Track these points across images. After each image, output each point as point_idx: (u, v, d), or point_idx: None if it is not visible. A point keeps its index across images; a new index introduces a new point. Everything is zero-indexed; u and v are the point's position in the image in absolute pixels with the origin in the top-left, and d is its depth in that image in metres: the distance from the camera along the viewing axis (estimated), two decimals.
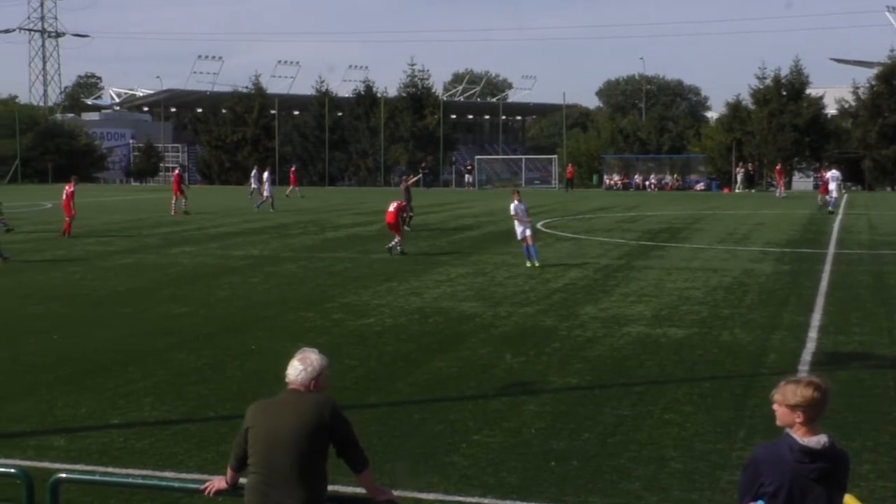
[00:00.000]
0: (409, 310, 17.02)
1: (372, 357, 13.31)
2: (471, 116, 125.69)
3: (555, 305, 17.44)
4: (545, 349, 13.77)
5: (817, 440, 4.76)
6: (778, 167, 61.80)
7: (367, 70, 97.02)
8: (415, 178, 47.56)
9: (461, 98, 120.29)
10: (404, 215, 25.82)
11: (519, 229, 23.08)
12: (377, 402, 11.11)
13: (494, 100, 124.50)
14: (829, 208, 42.12)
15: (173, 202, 42.58)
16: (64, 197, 31.44)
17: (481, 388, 11.67)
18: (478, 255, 25.20)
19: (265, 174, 48.12)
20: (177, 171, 46.72)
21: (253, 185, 55.93)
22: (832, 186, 43.91)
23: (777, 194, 57.26)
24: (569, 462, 8.95)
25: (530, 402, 11.02)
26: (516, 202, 23.08)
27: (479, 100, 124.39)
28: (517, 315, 16.46)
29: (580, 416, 10.43)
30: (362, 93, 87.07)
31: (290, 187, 58.56)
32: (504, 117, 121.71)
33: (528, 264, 22.50)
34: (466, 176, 79.62)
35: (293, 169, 63.50)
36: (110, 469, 8.68)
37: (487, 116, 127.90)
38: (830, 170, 47.49)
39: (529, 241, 22.82)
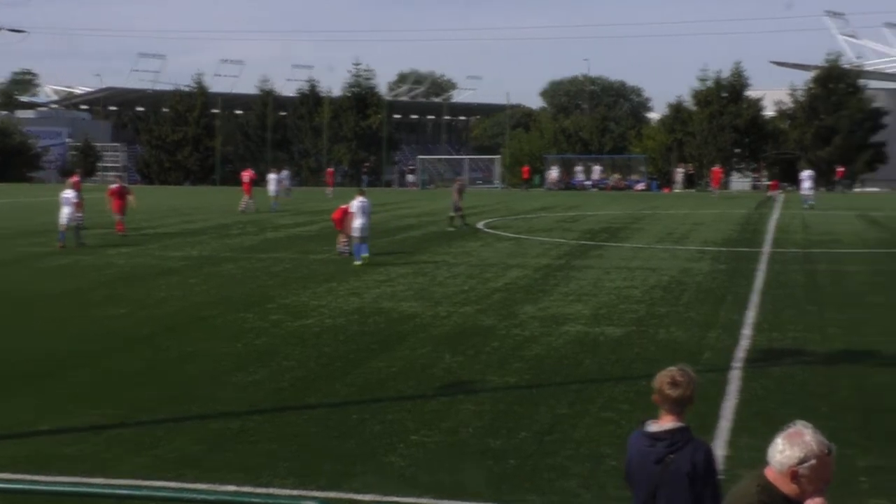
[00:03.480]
0: (348, 310, 16.96)
1: (311, 358, 13.24)
2: (415, 116, 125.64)
3: (494, 305, 17.50)
4: (484, 349, 13.81)
5: (659, 425, 4.95)
6: (715, 168, 62.72)
7: (311, 69, 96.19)
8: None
9: (406, 98, 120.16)
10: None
11: (357, 224, 22.92)
12: (315, 402, 11.06)
13: (439, 100, 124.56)
14: (810, 203, 43.92)
15: (243, 201, 42.10)
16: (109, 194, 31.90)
17: (420, 387, 11.68)
18: (419, 255, 25.19)
19: (276, 175, 46.71)
20: (251, 171, 46.08)
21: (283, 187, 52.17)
22: (807, 185, 46.49)
23: (715, 195, 58.06)
24: (506, 461, 8.98)
25: (468, 401, 11.05)
26: (362, 199, 23.20)
27: (423, 100, 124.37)
28: (457, 315, 16.49)
29: (518, 415, 10.47)
30: (306, 92, 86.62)
31: (328, 188, 57.66)
32: (448, 117, 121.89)
33: (359, 263, 22.54)
34: (409, 176, 79.45)
35: (331, 171, 62.29)
36: (37, 477, 8.51)
37: (431, 116, 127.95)
38: (805, 170, 50.22)
39: (358, 239, 22.95)
